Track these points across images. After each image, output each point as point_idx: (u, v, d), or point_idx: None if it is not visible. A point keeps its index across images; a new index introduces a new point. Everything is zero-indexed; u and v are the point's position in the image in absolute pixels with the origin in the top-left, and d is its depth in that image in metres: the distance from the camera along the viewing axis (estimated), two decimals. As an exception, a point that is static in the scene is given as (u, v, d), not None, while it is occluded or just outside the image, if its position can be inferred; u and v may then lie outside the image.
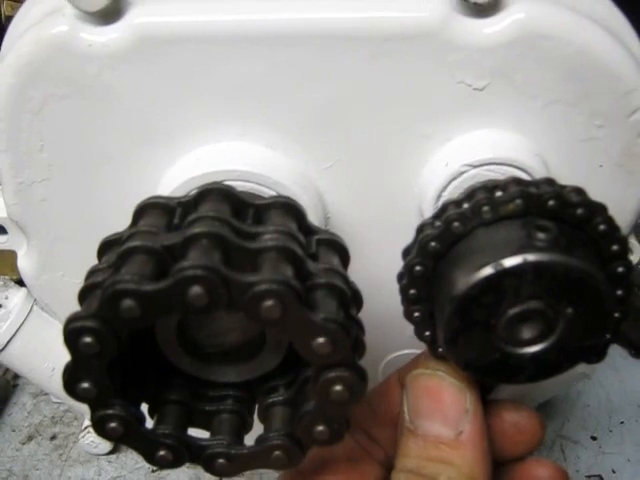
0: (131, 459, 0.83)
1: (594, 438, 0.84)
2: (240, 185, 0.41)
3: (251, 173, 0.42)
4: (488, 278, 0.33)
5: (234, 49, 0.40)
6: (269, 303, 0.30)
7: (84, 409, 0.69)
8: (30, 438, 0.86)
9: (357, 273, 0.37)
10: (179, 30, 0.40)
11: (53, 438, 0.86)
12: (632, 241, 0.49)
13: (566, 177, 0.42)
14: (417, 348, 0.40)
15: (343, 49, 0.40)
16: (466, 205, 0.35)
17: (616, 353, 0.89)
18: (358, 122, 0.43)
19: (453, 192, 0.42)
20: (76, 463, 0.83)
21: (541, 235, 0.33)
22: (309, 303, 0.31)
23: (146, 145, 0.43)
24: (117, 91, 0.41)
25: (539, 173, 0.41)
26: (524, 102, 0.41)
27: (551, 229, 0.33)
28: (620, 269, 0.35)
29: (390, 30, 0.40)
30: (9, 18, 1.00)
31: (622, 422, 0.86)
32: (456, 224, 0.35)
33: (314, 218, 0.43)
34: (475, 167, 0.41)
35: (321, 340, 0.31)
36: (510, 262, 0.32)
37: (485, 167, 0.41)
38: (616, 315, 0.36)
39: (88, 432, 0.78)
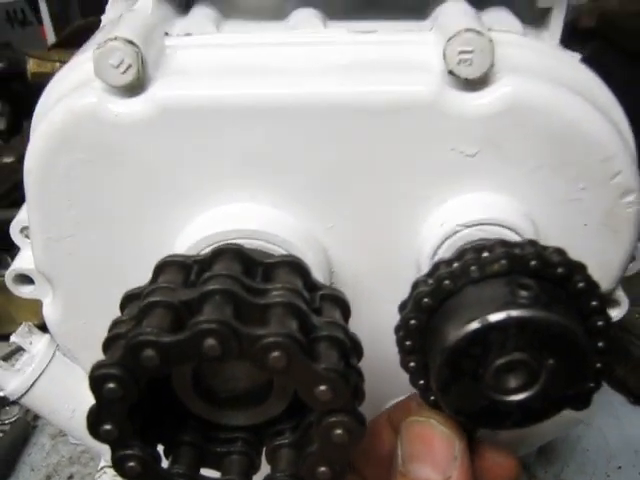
0: (144, 499, 0.84)
1: (592, 483, 0.85)
2: (250, 243, 0.44)
3: (261, 232, 0.44)
4: (475, 331, 0.35)
5: (245, 120, 0.43)
6: (276, 354, 0.33)
7: (101, 450, 0.70)
8: (48, 478, 0.88)
9: (359, 324, 0.39)
10: (197, 102, 0.43)
11: (70, 478, 0.88)
12: (619, 293, 0.51)
13: (554, 235, 0.45)
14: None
15: (345, 120, 0.43)
16: (456, 264, 0.38)
17: (615, 400, 0.90)
18: (359, 185, 0.45)
19: (448, 249, 0.44)
20: (92, 502, 0.85)
21: (524, 293, 0.35)
22: (312, 354, 0.34)
23: (164, 206, 0.46)
24: (140, 157, 0.44)
25: (528, 232, 0.44)
26: (512, 167, 0.44)
27: (533, 287, 0.36)
28: (600, 323, 0.37)
29: (389, 102, 0.43)
30: (35, 75, 1.05)
31: (619, 467, 0.87)
32: (447, 282, 0.37)
33: (319, 273, 0.45)
34: (468, 227, 0.44)
35: (323, 388, 0.33)
36: (495, 317, 0.35)
37: (477, 227, 0.44)
38: (598, 365, 0.38)
39: (104, 472, 0.80)
